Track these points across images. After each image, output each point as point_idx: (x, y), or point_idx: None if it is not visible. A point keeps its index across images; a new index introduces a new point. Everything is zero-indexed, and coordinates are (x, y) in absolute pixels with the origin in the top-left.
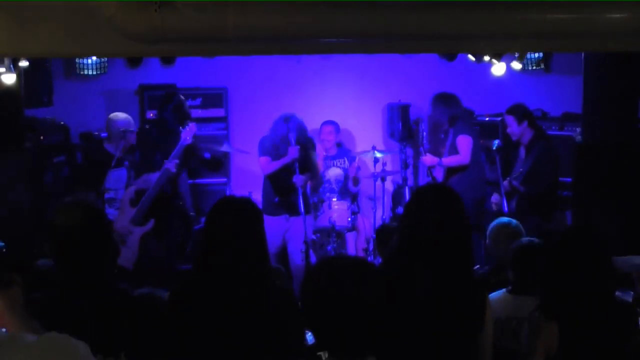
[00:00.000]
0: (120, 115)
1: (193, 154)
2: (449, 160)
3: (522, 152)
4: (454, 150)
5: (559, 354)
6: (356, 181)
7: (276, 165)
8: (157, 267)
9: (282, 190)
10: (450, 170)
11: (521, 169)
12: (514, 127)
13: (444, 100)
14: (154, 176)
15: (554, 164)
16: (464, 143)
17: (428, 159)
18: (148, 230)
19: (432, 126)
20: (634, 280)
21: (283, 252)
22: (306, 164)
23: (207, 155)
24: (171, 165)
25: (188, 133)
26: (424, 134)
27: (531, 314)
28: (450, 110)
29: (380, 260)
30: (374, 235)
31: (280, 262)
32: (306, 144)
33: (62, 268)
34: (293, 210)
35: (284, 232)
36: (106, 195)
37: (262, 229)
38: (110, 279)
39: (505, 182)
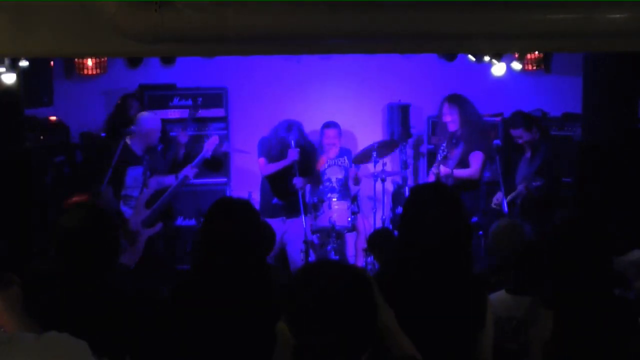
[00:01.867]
0: (151, 115)
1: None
2: (461, 173)
3: (528, 152)
4: (462, 163)
5: (556, 345)
6: (357, 181)
7: (275, 167)
8: (159, 269)
9: (281, 191)
10: (460, 186)
11: (529, 170)
12: (526, 136)
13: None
14: (167, 179)
15: (560, 165)
16: (477, 159)
17: (442, 169)
18: (156, 232)
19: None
20: (630, 279)
21: (281, 255)
22: (306, 166)
23: (207, 155)
24: (191, 173)
25: (210, 145)
26: (444, 144)
27: (530, 307)
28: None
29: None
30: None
31: (279, 264)
32: (306, 146)
33: (65, 268)
34: (291, 212)
35: (281, 234)
36: (123, 192)
37: (260, 229)
38: (113, 280)
39: (521, 187)
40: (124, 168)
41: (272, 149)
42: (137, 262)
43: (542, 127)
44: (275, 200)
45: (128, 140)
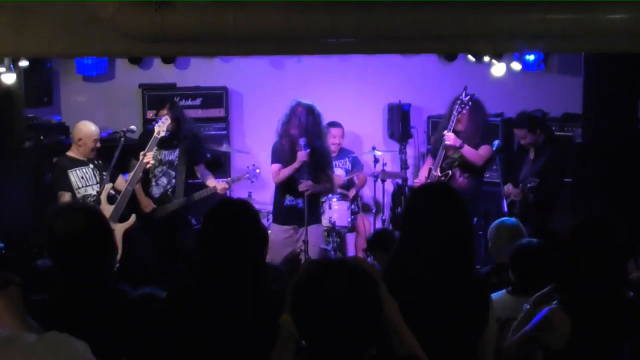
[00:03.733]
0: (93, 126)
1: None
2: (468, 151)
3: (531, 153)
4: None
5: (568, 347)
6: (361, 181)
7: (286, 172)
8: (144, 265)
9: (291, 193)
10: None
11: (530, 175)
12: (529, 138)
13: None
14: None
15: (562, 167)
16: (486, 151)
17: (452, 137)
18: (130, 226)
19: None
20: (632, 284)
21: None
22: (318, 168)
23: (208, 155)
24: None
25: (161, 126)
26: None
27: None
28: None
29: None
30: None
31: (290, 269)
32: (318, 145)
33: (62, 271)
34: (301, 220)
35: (294, 242)
36: (78, 195)
37: (259, 231)
38: (110, 281)
39: (517, 190)
40: (64, 172)
41: (283, 152)
42: (119, 260)
43: (547, 129)
44: (287, 202)
45: (69, 153)
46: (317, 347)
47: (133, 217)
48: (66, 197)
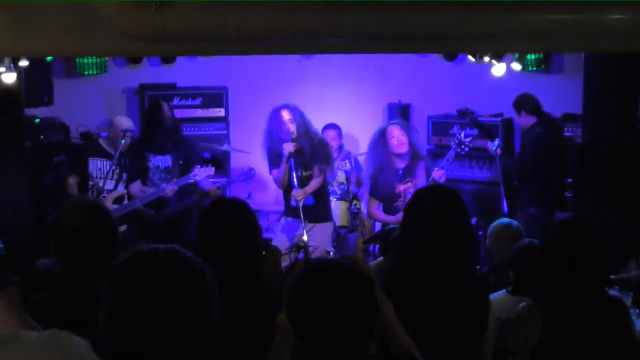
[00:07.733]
0: (124, 120)
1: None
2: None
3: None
4: None
5: (546, 346)
6: (359, 183)
7: (280, 172)
8: None
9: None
10: None
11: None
12: (515, 119)
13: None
14: (150, 190)
15: (542, 153)
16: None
17: (440, 174)
18: (121, 232)
19: None
20: (632, 285)
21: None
22: (307, 156)
23: (207, 155)
24: (169, 189)
25: (202, 172)
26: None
27: (520, 309)
28: None
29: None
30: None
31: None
32: (305, 139)
33: (67, 267)
34: (310, 216)
35: (299, 237)
36: (91, 182)
37: (254, 230)
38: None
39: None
40: (85, 157)
41: (276, 155)
42: None
43: (539, 114)
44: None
45: (101, 140)
46: (313, 347)
47: (124, 228)
48: (71, 181)
